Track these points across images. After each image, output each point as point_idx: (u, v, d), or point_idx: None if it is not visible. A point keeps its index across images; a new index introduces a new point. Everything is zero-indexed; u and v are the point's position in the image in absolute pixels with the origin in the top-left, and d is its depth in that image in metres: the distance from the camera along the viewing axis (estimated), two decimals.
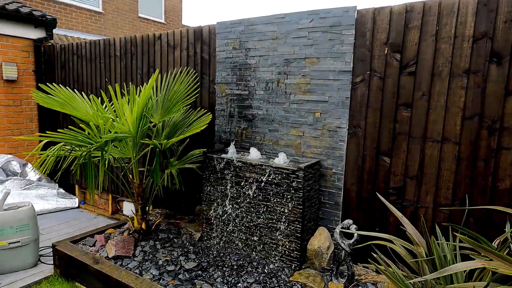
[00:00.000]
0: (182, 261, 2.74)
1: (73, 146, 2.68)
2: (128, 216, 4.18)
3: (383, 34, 2.46)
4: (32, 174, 4.86)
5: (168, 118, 3.09)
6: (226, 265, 2.71)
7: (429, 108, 2.35)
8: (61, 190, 4.93)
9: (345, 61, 2.61)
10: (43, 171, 2.67)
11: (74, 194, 5.01)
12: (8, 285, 2.89)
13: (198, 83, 3.41)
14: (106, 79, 4.29)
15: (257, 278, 2.53)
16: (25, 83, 4.93)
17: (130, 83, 4.04)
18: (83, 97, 3.10)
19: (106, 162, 2.72)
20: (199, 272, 2.62)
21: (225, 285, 2.46)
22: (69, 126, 2.74)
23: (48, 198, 4.70)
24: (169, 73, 3.55)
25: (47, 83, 3.08)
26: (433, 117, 2.35)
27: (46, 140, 2.58)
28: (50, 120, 5.09)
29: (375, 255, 2.20)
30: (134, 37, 3.94)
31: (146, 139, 2.89)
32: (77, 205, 4.88)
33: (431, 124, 2.36)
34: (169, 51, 3.66)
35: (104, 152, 2.73)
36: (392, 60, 2.44)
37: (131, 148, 3.04)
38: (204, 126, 2.83)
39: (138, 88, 3.54)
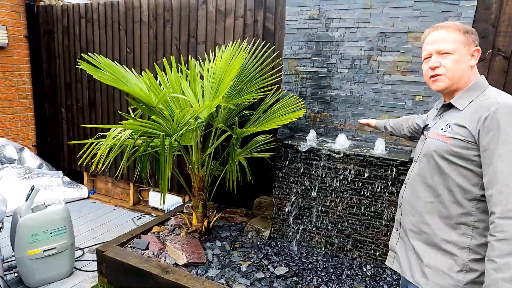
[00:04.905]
0: (268, 266, 2.39)
1: (139, 134, 2.15)
2: (159, 209, 3.70)
3: None
4: (31, 160, 4.14)
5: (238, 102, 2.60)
6: (319, 269, 2.39)
7: None
8: (66, 178, 4.27)
9: None
10: (102, 168, 2.13)
11: (82, 183, 4.37)
12: None
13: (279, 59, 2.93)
14: (128, 49, 3.63)
15: (367, 283, 2.25)
16: (16, 51, 4.09)
17: (162, 55, 3.44)
18: (129, 71, 2.53)
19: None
20: (294, 278, 2.29)
21: None
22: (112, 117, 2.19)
23: (53, 188, 4.04)
24: (226, 45, 3.03)
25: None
26: None
27: (121, 129, 2.03)
28: (47, 96, 4.32)
29: None
30: (168, 0, 3.31)
31: (221, 124, 2.42)
32: (86, 195, 4.27)
33: None
34: (219, 18, 3.10)
35: (172, 141, 2.24)
36: None
37: (192, 134, 2.55)
38: (303, 112, 2.40)
39: (196, 61, 2.96)
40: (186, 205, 3.32)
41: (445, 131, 1.23)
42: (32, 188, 2.52)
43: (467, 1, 2.24)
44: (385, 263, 1.55)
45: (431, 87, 1.32)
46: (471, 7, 2.24)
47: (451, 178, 1.20)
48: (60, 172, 4.25)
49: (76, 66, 2.38)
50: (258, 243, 2.70)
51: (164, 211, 3.74)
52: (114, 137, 2.15)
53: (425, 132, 1.39)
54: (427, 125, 1.41)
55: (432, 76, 1.27)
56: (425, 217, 1.28)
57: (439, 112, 1.36)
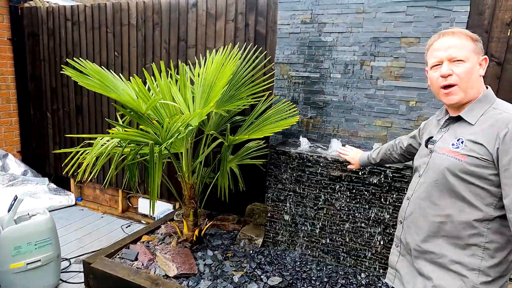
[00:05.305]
0: (261, 276, 2.33)
1: (127, 143, 2.07)
2: (149, 216, 3.61)
3: (507, 13, 2.14)
4: (16, 167, 4.01)
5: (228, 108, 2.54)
6: (313, 278, 2.35)
7: None
8: (52, 185, 4.14)
9: None
10: (89, 177, 2.05)
11: (69, 190, 4.25)
12: None
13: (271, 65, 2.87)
14: (116, 53, 3.54)
15: None
16: (0, 55, 3.95)
17: (151, 59, 3.36)
18: (117, 77, 2.45)
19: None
20: None
21: None
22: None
23: (38, 195, 3.91)
24: (217, 49, 2.97)
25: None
26: None
27: (108, 138, 1.95)
28: (32, 101, 4.19)
29: None
30: (157, 2, 3.23)
31: (213, 131, 2.35)
32: (73, 202, 4.15)
33: None
34: (209, 21, 3.04)
35: (162, 149, 2.16)
36: None
37: (182, 141, 2.48)
38: (297, 119, 2.35)
39: (186, 66, 2.88)
40: (176, 212, 3.24)
41: (458, 147, 1.15)
42: (15, 198, 2.42)
43: (460, 7, 2.22)
44: (385, 280, 1.49)
45: (442, 99, 1.22)
46: (464, 13, 2.22)
47: (463, 198, 1.13)
48: (46, 179, 4.12)
49: (61, 72, 2.29)
50: (251, 251, 2.64)
51: (154, 218, 3.65)
52: (102, 146, 2.07)
53: (429, 146, 1.29)
54: (431, 137, 1.31)
55: (445, 87, 1.17)
56: (432, 237, 1.21)
57: (444, 124, 1.28)
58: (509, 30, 2.16)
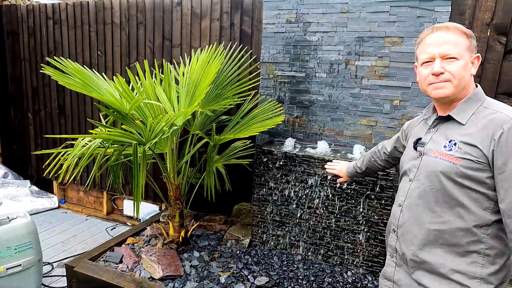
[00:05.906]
0: (248, 276, 2.32)
1: (110, 143, 2.03)
2: (134, 218, 3.55)
3: (487, 13, 2.19)
4: None
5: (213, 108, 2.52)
6: (299, 277, 2.35)
7: None
8: (34, 188, 4.04)
9: None
10: (71, 177, 2.00)
11: (51, 192, 4.15)
12: None
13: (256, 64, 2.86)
14: (99, 52, 3.47)
15: None
16: None
17: (136, 58, 3.31)
18: (99, 76, 2.40)
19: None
20: None
21: None
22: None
23: (20, 198, 3.81)
24: (202, 49, 2.94)
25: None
26: None
27: (90, 138, 1.91)
28: (12, 101, 4.07)
29: None
30: (141, 1, 3.18)
31: (198, 131, 2.33)
32: (56, 205, 4.06)
33: None
34: (194, 20, 3.01)
35: (146, 149, 2.13)
36: (495, 43, 2.20)
37: (167, 141, 2.44)
38: (282, 118, 2.35)
39: (171, 65, 2.85)
40: (162, 213, 3.20)
41: (451, 149, 1.09)
42: None
43: (442, 7, 2.26)
44: None
45: (429, 94, 1.15)
46: (446, 13, 2.26)
47: (461, 203, 1.07)
48: (28, 181, 4.02)
49: (41, 71, 2.23)
50: (238, 252, 2.63)
51: (140, 220, 3.60)
52: (83, 146, 2.03)
53: (419, 148, 1.22)
54: (420, 139, 1.24)
55: (434, 83, 1.12)
56: (429, 245, 1.14)
57: (432, 124, 1.21)
58: (489, 30, 2.20)
